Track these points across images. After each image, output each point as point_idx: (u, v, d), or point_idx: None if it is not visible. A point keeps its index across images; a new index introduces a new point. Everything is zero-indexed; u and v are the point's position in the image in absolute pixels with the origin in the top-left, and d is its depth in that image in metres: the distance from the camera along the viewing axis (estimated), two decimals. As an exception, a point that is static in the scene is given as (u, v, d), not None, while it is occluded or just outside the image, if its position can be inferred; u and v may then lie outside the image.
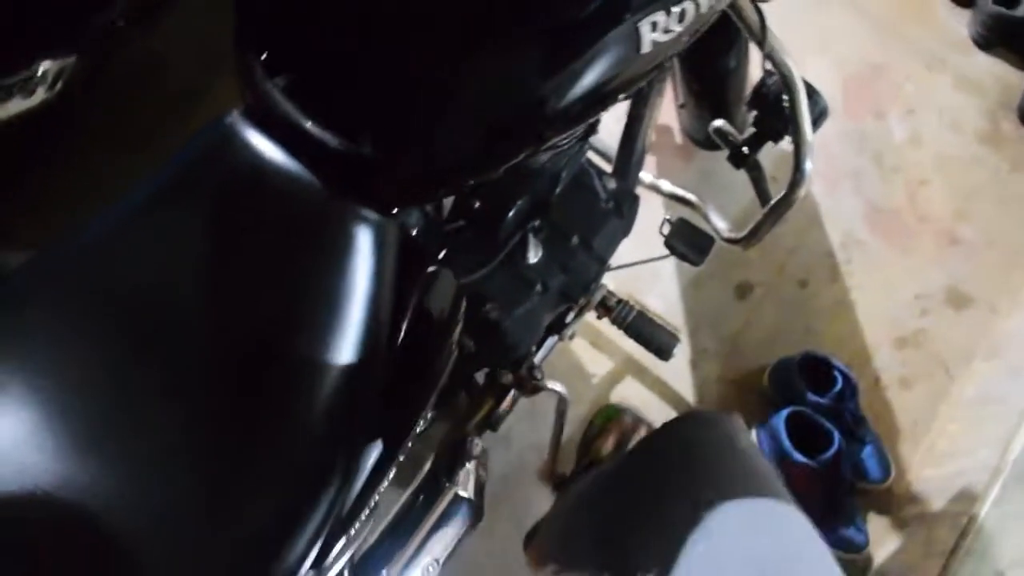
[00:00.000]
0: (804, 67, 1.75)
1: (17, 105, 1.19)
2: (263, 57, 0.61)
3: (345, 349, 0.62)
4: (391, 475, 0.72)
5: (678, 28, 0.60)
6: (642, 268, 1.25)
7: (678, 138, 1.72)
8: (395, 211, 0.70)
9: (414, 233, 0.82)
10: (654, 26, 0.59)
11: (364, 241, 0.64)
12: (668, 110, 1.54)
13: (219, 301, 0.62)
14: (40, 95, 1.22)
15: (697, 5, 0.61)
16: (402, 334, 0.69)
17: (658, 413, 1.51)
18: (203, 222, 0.63)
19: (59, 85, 1.25)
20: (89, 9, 1.31)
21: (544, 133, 0.65)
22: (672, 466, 0.84)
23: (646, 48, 0.59)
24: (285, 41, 0.61)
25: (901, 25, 2.02)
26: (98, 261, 0.62)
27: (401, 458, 0.78)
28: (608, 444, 1.40)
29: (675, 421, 0.92)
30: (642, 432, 1.41)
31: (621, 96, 0.67)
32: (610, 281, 1.38)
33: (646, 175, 1.30)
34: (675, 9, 0.59)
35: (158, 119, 1.31)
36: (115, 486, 0.55)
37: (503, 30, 0.57)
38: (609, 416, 1.45)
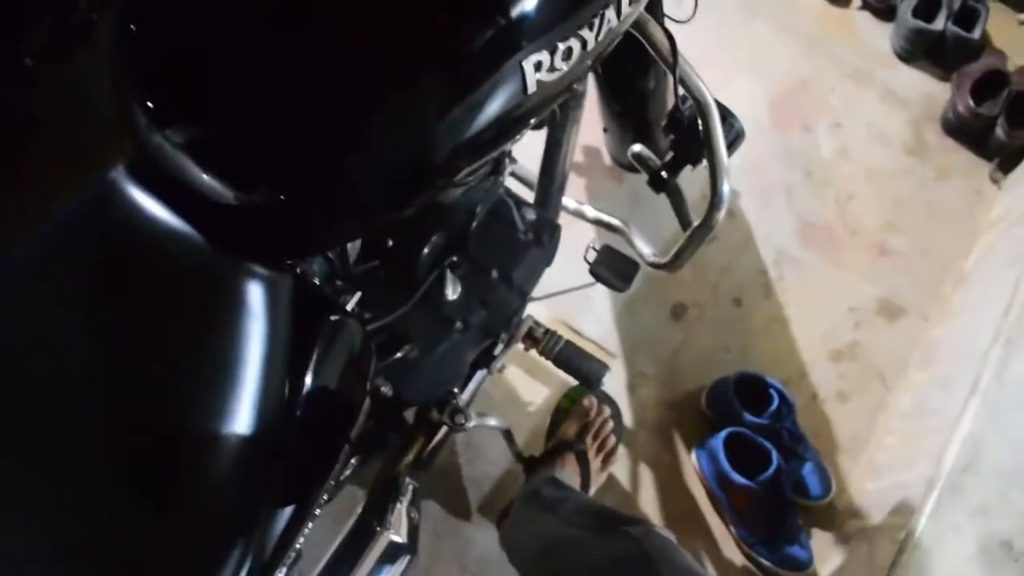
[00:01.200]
0: (731, 85, 1.78)
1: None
2: (148, 106, 0.58)
3: (240, 410, 0.60)
4: (308, 526, 0.70)
5: (564, 67, 0.59)
6: (574, 294, 1.24)
7: (607, 160, 1.71)
8: (291, 261, 0.68)
9: (317, 281, 0.80)
10: (538, 66, 0.57)
11: (255, 297, 0.62)
12: (598, 132, 1.53)
13: (106, 372, 0.59)
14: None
15: (583, 42, 0.60)
16: (306, 386, 0.67)
17: (596, 440, 1.49)
18: (85, 287, 0.61)
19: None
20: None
21: (440, 173, 0.63)
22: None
23: (532, 87, 0.58)
24: (172, 89, 0.58)
25: (825, 41, 2.05)
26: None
27: (318, 510, 0.76)
28: (573, 427, 1.40)
29: (618, 537, 0.94)
30: (606, 412, 1.42)
31: (516, 134, 0.66)
32: (542, 308, 1.37)
33: (571, 200, 1.29)
34: (560, 47, 0.58)
35: (56, 167, 1.28)
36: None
37: (397, 72, 0.56)
38: (574, 398, 1.46)
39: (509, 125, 0.61)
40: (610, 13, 0.61)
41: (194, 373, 0.59)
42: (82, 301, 0.59)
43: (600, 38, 0.62)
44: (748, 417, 1.46)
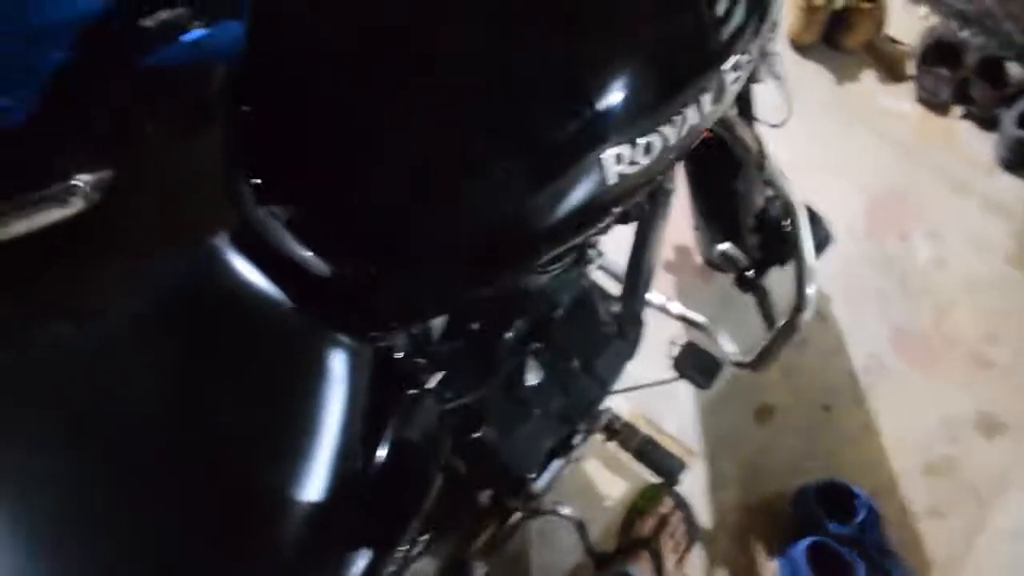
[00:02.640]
0: (826, 191, 1.78)
1: (54, 214, 1.25)
2: (254, 181, 0.63)
3: (315, 472, 0.63)
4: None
5: (645, 161, 0.62)
6: (658, 389, 1.24)
7: (698, 259, 1.72)
8: (376, 335, 0.71)
9: (400, 356, 0.83)
10: (619, 159, 0.60)
11: (338, 365, 0.65)
12: (690, 231, 1.55)
13: (190, 426, 0.62)
14: (77, 204, 1.28)
15: (664, 138, 0.62)
16: (379, 458, 0.69)
17: (674, 540, 1.46)
18: (183, 343, 0.65)
19: (97, 195, 1.31)
20: (126, 130, 1.39)
21: (520, 257, 0.66)
22: None
23: (611, 180, 0.60)
24: (276, 167, 0.63)
25: (924, 149, 2.04)
26: (75, 374, 0.63)
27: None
28: (649, 525, 1.38)
29: None
30: (677, 517, 1.40)
31: (597, 224, 0.68)
32: (624, 404, 1.37)
33: (657, 296, 1.30)
34: (640, 142, 0.61)
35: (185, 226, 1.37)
36: None
37: (483, 157, 0.59)
38: (651, 496, 1.44)
39: (589, 214, 0.63)
40: (691, 112, 0.64)
41: (274, 432, 0.62)
42: (179, 356, 0.63)
43: (682, 135, 0.64)
44: (832, 527, 1.41)
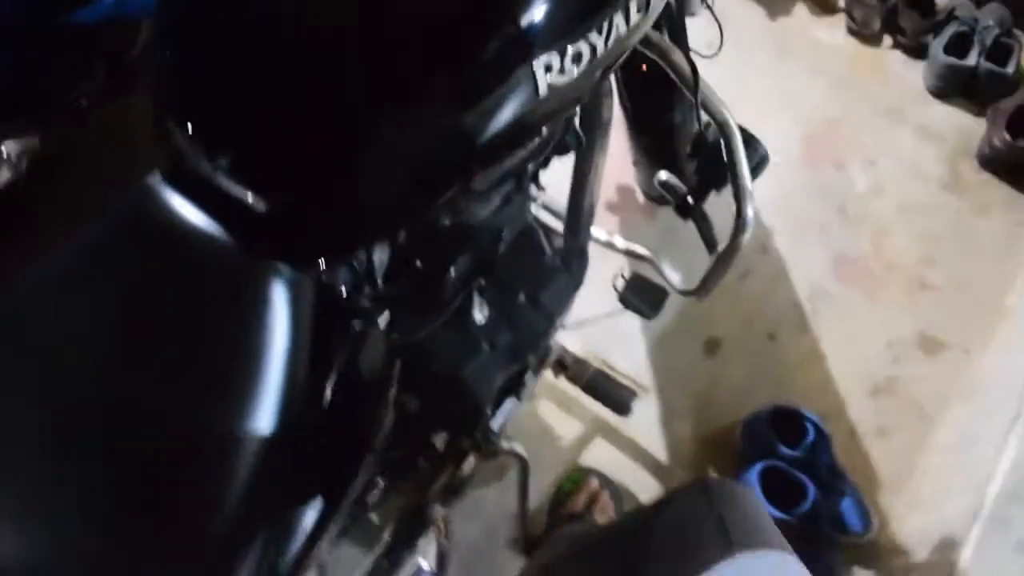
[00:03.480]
0: (763, 122, 1.79)
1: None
2: (184, 122, 0.61)
3: (262, 405, 0.62)
4: (328, 540, 0.71)
5: (575, 70, 0.61)
6: (607, 329, 1.25)
7: (640, 197, 1.73)
8: (321, 268, 0.70)
9: (345, 292, 0.82)
10: (548, 68, 0.59)
11: (279, 296, 0.64)
12: (631, 170, 1.55)
13: (132, 368, 0.61)
14: (3, 174, 1.24)
15: (593, 47, 0.62)
16: (329, 388, 0.68)
17: (630, 474, 1.48)
18: (121, 283, 0.64)
19: (23, 164, 1.27)
20: (50, 92, 1.34)
21: (456, 175, 0.65)
22: (677, 531, 0.84)
23: (543, 91, 0.60)
24: (204, 107, 0.62)
25: (857, 80, 2.06)
26: (13, 319, 0.62)
27: (341, 525, 0.76)
28: (577, 506, 1.37)
29: (674, 492, 0.92)
30: (606, 495, 1.39)
31: (531, 140, 0.68)
32: (575, 343, 1.38)
33: (601, 231, 1.30)
34: (570, 50, 0.60)
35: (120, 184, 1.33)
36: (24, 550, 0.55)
37: (412, 77, 0.58)
38: (576, 479, 1.44)
39: (524, 129, 0.63)
40: (618, 19, 0.63)
41: (217, 369, 0.61)
42: (117, 296, 0.62)
43: (610, 45, 0.63)
44: (783, 450, 1.44)
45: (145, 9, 1.24)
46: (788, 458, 1.43)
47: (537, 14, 0.58)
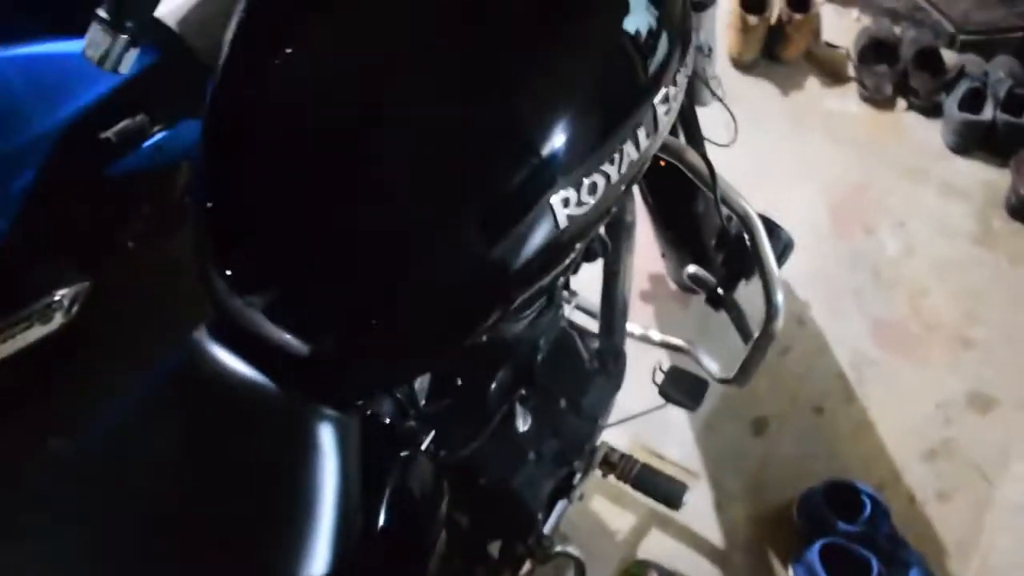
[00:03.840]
0: (788, 196, 1.82)
1: (36, 332, 1.27)
2: (224, 271, 0.65)
3: (315, 552, 0.64)
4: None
5: (591, 200, 0.65)
6: (652, 418, 1.26)
7: (672, 286, 1.75)
8: (361, 403, 0.73)
9: (389, 421, 0.84)
10: (566, 202, 0.63)
11: (325, 438, 0.67)
12: (659, 258, 1.58)
13: (192, 518, 0.64)
14: (58, 320, 1.30)
15: (607, 176, 0.65)
16: (379, 524, 0.70)
17: (688, 562, 1.47)
18: (175, 437, 0.67)
19: (75, 308, 1.33)
20: (100, 239, 1.41)
21: (491, 306, 0.68)
22: None
23: (563, 223, 0.63)
24: (245, 255, 0.66)
25: (876, 144, 2.08)
26: (80, 487, 0.66)
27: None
28: None
29: None
30: None
31: (558, 266, 0.71)
32: (623, 436, 1.39)
33: (636, 327, 1.33)
34: (585, 183, 0.64)
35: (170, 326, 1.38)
36: None
37: (438, 218, 0.62)
38: (636, 573, 1.43)
39: (547, 258, 0.66)
40: (629, 148, 0.67)
41: (271, 514, 0.64)
42: (173, 453, 0.66)
43: (623, 171, 0.67)
44: (841, 526, 1.42)
45: (184, 153, 1.31)
46: (847, 534, 1.42)
47: (552, 152, 0.62)
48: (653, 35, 0.68)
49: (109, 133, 1.18)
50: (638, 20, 0.66)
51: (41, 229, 1.25)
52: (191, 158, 1.30)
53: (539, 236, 0.64)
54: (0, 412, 1.34)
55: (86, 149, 1.18)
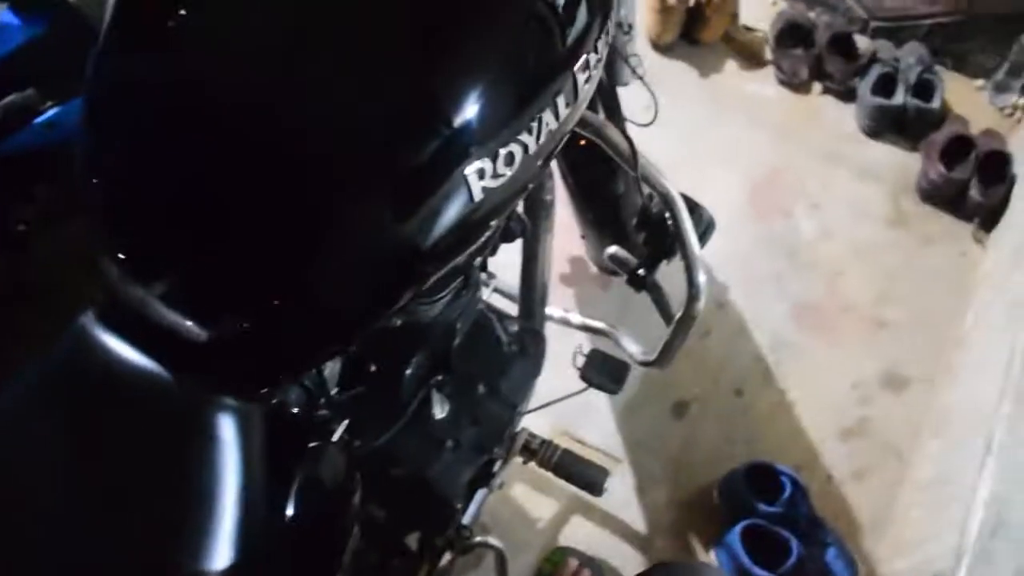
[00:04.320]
0: (708, 180, 1.82)
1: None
2: (115, 253, 0.60)
3: (218, 548, 0.60)
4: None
5: (508, 172, 0.61)
6: (573, 403, 1.23)
7: (593, 267, 1.73)
8: (266, 392, 0.68)
9: (295, 410, 0.80)
10: (481, 173, 0.59)
11: (227, 431, 0.62)
12: (580, 240, 1.56)
13: (86, 516, 0.59)
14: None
15: (525, 147, 0.61)
16: (289, 514, 0.66)
17: (610, 548, 1.46)
18: (62, 431, 0.62)
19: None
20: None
21: (401, 285, 0.64)
22: None
23: (478, 195, 0.59)
24: (136, 238, 0.61)
25: (793, 128, 2.11)
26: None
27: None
28: None
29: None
30: (587, 573, 1.36)
31: (474, 241, 0.67)
32: (543, 421, 1.36)
33: (555, 310, 1.30)
34: (501, 153, 0.60)
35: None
36: None
37: (346, 193, 0.58)
38: (555, 561, 1.41)
39: (463, 233, 0.62)
40: (547, 117, 0.63)
41: (171, 510, 0.59)
42: (63, 447, 0.60)
43: (542, 141, 0.63)
44: (762, 507, 1.42)
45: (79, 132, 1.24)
46: (768, 515, 1.42)
47: (466, 121, 0.58)
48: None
49: (-7, 106, 1.11)
50: (556, -17, 0.63)
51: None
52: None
53: (453, 210, 0.60)
54: None
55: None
